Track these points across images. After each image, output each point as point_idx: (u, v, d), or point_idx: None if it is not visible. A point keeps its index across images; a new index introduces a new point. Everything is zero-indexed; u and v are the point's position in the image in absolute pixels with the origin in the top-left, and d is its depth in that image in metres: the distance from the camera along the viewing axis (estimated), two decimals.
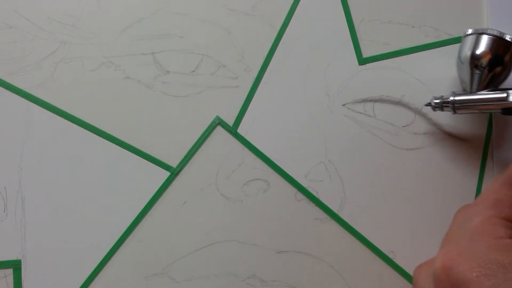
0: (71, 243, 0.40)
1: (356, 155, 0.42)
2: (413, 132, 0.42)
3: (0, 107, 0.40)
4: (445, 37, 0.43)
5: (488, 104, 0.36)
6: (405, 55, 0.43)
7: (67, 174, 0.40)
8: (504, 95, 0.35)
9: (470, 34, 0.37)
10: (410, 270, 0.41)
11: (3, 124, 0.40)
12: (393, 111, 0.42)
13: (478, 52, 0.36)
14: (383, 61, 0.42)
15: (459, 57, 0.38)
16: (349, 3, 0.42)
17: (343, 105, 0.42)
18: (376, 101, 0.42)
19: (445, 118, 0.42)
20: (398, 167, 0.42)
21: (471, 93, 0.37)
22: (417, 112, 0.42)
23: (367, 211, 0.41)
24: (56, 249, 0.40)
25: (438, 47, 0.43)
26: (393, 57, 0.42)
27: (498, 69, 0.36)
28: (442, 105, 0.38)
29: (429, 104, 0.39)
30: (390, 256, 0.41)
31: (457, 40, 0.42)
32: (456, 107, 0.37)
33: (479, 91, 0.37)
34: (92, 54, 0.39)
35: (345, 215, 0.41)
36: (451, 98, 0.37)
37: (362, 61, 0.42)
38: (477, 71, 0.36)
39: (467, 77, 0.37)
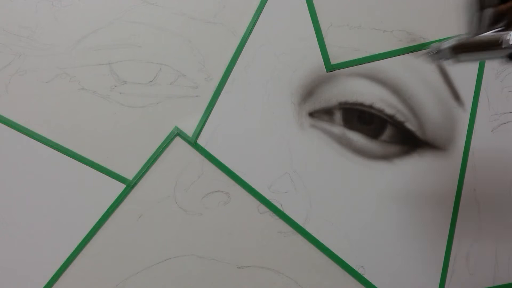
0: (21, 258, 0.39)
1: (323, 166, 0.40)
2: (383, 140, 0.40)
3: None
4: (420, 40, 0.41)
5: (487, 48, 0.31)
6: (376, 60, 0.41)
7: (19, 188, 0.39)
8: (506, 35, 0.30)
9: None
10: (380, 286, 0.39)
11: None
12: (361, 121, 0.40)
13: None
14: (353, 67, 0.41)
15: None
16: (316, 8, 0.41)
17: (310, 113, 0.40)
18: (344, 109, 0.40)
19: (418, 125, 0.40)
20: (367, 178, 0.40)
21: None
22: (391, 119, 0.40)
23: (335, 224, 0.40)
24: (5, 264, 0.39)
25: (413, 51, 0.41)
26: (363, 63, 0.41)
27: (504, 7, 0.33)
28: (440, 51, 0.34)
29: (429, 52, 0.36)
30: (360, 271, 0.39)
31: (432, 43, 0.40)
32: (455, 51, 0.33)
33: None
34: (47, 65, 0.39)
35: (311, 228, 0.40)
36: (449, 44, 0.33)
37: (330, 67, 0.41)
38: (483, 10, 0.33)
39: (473, 19, 0.34)
